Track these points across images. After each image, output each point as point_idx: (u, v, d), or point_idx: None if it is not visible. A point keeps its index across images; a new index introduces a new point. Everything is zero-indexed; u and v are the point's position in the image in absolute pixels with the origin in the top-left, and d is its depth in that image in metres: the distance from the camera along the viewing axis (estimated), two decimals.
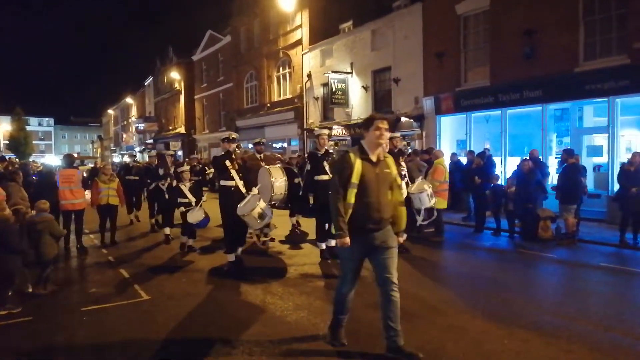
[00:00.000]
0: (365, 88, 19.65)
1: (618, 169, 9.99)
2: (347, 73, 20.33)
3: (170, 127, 43.01)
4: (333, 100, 20.29)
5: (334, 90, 20.12)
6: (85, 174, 10.94)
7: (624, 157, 11.13)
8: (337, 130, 21.18)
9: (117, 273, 7.51)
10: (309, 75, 23.23)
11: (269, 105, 27.25)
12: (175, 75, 39.66)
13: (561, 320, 4.96)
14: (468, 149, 14.03)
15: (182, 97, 39.97)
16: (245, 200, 7.03)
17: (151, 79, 48.26)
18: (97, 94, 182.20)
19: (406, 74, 17.44)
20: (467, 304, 5.55)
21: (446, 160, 12.00)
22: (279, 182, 8.33)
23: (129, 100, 57.08)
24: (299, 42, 24.15)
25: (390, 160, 4.21)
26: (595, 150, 12.37)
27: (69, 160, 10.03)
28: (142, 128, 47.60)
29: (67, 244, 9.21)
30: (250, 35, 29.21)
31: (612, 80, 11.14)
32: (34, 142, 75.20)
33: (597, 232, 10.28)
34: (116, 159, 56.39)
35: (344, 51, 20.85)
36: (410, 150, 12.51)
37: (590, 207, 11.13)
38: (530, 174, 9.76)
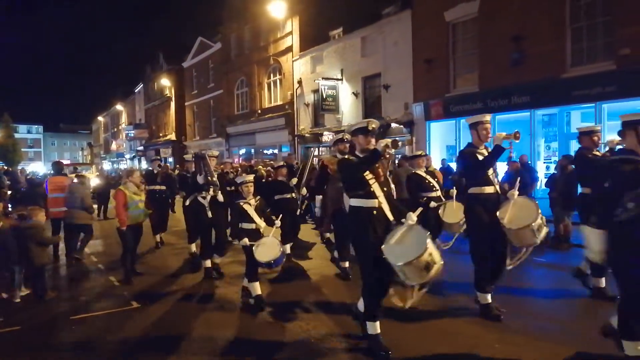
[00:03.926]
0: (355, 94, 19.73)
1: None
2: (338, 79, 20.42)
3: (161, 134, 42.81)
4: (323, 106, 20.36)
5: (324, 96, 20.20)
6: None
7: None
8: (328, 137, 21.22)
9: (107, 280, 7.46)
10: (300, 82, 23.29)
11: (259, 111, 27.25)
12: (165, 82, 39.55)
13: (552, 324, 4.99)
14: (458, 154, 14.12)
15: (172, 104, 39.84)
16: (398, 234, 4.10)
17: (141, 85, 48.08)
18: (87, 101, 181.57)
19: (396, 81, 17.55)
20: (458, 309, 5.57)
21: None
22: None
23: (119, 107, 56.78)
24: (289, 49, 24.22)
25: None
26: None
27: (58, 168, 9.96)
28: (132, 135, 47.39)
29: (57, 252, 9.07)
30: (240, 42, 29.24)
31: (599, 86, 11.31)
32: (22, 149, 74.53)
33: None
34: (106, 166, 55.99)
35: (334, 58, 20.94)
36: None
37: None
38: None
